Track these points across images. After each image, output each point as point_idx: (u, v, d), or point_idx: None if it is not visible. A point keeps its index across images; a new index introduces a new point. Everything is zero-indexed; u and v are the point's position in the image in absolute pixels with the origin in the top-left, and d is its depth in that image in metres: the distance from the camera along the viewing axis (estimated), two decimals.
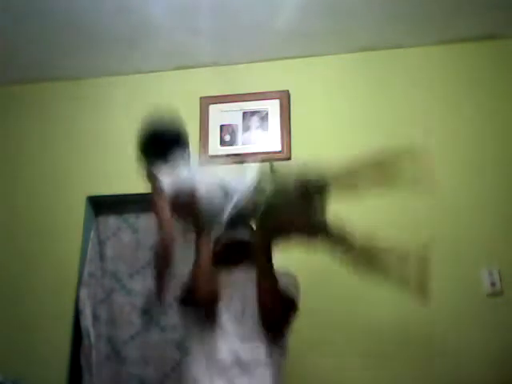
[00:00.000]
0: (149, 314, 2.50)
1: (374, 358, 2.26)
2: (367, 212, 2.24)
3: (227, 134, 2.77)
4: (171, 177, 1.66)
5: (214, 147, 2.74)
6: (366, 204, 1.90)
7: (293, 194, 1.54)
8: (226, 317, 1.61)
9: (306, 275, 1.85)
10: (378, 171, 1.58)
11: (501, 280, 2.30)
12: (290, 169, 1.62)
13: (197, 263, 1.61)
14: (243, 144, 2.74)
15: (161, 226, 1.63)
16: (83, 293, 2.60)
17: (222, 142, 2.75)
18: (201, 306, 1.61)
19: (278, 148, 2.68)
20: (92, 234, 2.77)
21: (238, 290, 1.65)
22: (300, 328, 1.72)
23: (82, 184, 2.79)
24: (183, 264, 1.64)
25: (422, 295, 1.51)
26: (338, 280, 2.26)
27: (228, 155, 2.71)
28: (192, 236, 1.66)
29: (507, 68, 2.65)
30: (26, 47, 2.76)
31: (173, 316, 2.44)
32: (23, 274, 2.66)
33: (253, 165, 1.70)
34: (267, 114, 2.77)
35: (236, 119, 2.79)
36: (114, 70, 2.94)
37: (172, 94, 2.89)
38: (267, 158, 1.82)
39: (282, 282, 1.62)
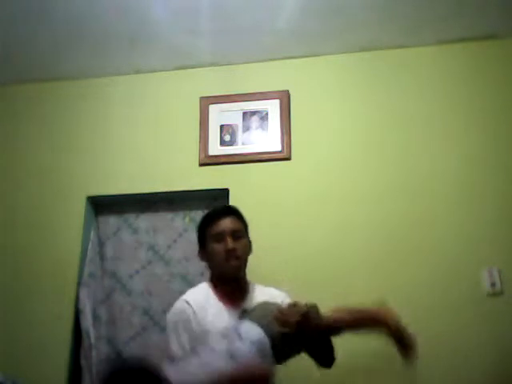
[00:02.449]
0: None
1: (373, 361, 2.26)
2: None
3: (227, 133, 2.77)
4: None
5: (214, 147, 2.74)
6: None
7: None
8: None
9: None
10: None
11: (501, 280, 2.30)
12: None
13: None
14: (243, 144, 2.74)
15: None
16: (83, 293, 2.60)
17: (222, 142, 2.75)
18: None
19: (278, 148, 2.69)
20: (92, 234, 2.77)
21: None
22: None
23: (82, 184, 2.79)
24: None
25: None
26: None
27: (228, 155, 2.72)
28: None
29: (507, 68, 2.65)
30: (25, 47, 2.76)
31: None
32: (23, 274, 2.66)
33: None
34: (267, 114, 2.76)
35: (236, 119, 2.79)
36: (113, 70, 2.94)
37: (172, 94, 2.90)
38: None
39: None
